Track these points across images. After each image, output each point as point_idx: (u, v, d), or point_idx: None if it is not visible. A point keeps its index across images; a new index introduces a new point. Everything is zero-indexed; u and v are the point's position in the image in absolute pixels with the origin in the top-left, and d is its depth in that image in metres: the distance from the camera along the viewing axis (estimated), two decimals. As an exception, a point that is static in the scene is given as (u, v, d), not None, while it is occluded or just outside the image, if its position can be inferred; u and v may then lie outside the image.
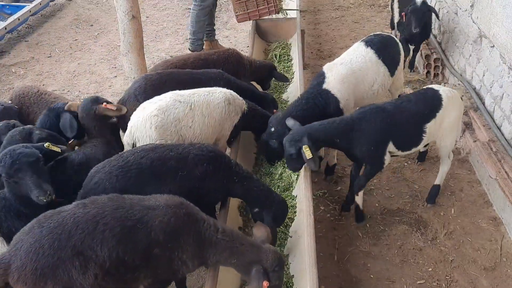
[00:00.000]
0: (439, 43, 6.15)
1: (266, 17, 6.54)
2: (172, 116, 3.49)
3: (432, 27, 6.07)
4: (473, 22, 5.07)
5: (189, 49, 6.66)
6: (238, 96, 3.90)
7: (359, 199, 3.84)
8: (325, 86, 4.01)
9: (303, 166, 3.65)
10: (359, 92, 4.20)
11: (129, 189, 2.88)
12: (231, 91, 3.85)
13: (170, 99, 3.54)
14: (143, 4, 8.61)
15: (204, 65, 4.49)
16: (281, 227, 3.55)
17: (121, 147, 3.70)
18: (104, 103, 3.66)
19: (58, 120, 3.65)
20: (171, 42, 7.51)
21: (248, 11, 6.22)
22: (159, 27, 8.07)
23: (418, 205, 4.11)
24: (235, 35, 7.38)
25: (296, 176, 4.13)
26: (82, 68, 6.88)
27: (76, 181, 3.09)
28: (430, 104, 3.69)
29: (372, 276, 3.50)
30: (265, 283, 2.57)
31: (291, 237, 3.52)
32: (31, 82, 6.32)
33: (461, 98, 3.92)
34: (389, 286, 3.41)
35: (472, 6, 5.10)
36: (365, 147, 3.57)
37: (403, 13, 5.54)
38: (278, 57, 5.97)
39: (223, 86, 3.96)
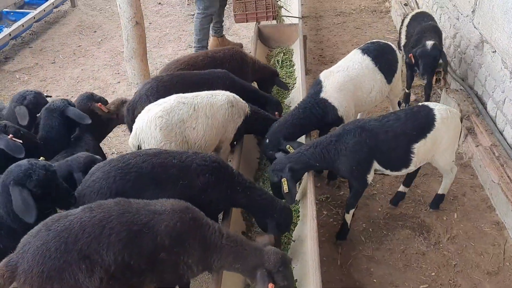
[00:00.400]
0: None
1: (268, 23, 6.61)
2: (177, 117, 3.53)
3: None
4: (475, 27, 5.09)
5: None
6: (241, 99, 3.94)
7: (348, 217, 3.76)
8: (322, 95, 4.03)
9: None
10: (357, 99, 4.22)
11: (126, 191, 2.87)
12: (234, 94, 3.89)
13: (174, 101, 3.58)
14: (146, 11, 8.67)
15: (212, 62, 4.61)
16: (284, 231, 3.56)
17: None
18: (99, 103, 3.90)
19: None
20: (174, 48, 7.56)
21: (247, 12, 6.31)
22: (162, 33, 8.12)
23: (421, 209, 4.11)
24: (237, 41, 7.42)
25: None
26: (85, 74, 6.93)
27: None
28: (421, 123, 3.50)
29: (375, 281, 3.49)
30: (270, 285, 2.57)
31: (294, 241, 3.54)
32: (34, 88, 6.35)
33: (461, 120, 3.71)
34: (392, 290, 3.41)
35: (473, 11, 5.13)
36: (347, 167, 3.50)
37: (410, 55, 4.95)
38: (280, 62, 6.01)
39: (229, 86, 4.09)
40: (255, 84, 5.12)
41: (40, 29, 8.38)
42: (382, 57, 4.30)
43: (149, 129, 3.50)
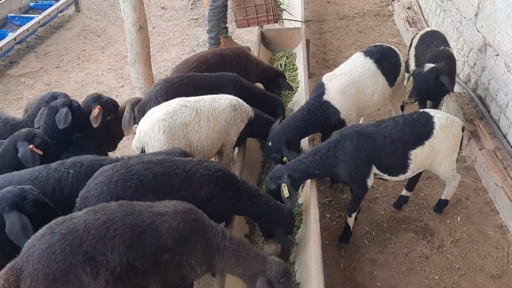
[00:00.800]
0: (444, 52, 6.17)
1: (271, 27, 6.63)
2: (179, 120, 3.55)
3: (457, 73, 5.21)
4: (478, 31, 5.10)
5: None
6: (245, 103, 3.96)
7: (351, 220, 3.76)
8: (325, 97, 4.04)
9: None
10: (360, 102, 4.22)
11: (126, 198, 2.83)
12: (238, 98, 3.92)
13: (177, 104, 3.61)
14: (150, 15, 8.73)
15: (221, 60, 4.71)
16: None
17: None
18: (98, 107, 3.90)
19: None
20: (177, 52, 7.60)
21: (248, 17, 6.36)
22: (165, 38, 8.17)
23: (424, 213, 4.11)
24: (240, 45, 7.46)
25: (302, 184, 4.15)
26: (89, 78, 6.98)
27: None
28: (419, 130, 3.47)
29: (378, 284, 3.49)
30: None
31: (297, 244, 3.54)
32: (39, 92, 6.41)
33: (463, 129, 3.66)
34: (395, 294, 3.40)
35: (476, 15, 5.13)
36: (346, 172, 3.50)
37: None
38: (283, 66, 6.03)
39: (238, 89, 4.16)
40: (260, 86, 5.18)
41: (45, 34, 8.45)
42: (384, 60, 4.30)
43: (152, 132, 3.52)
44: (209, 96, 3.83)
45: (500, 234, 3.84)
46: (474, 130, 4.69)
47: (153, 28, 8.43)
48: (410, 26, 7.05)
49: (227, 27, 7.10)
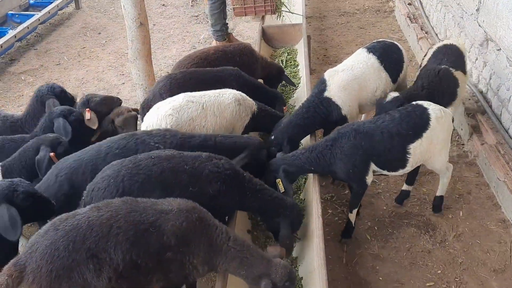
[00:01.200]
0: (445, 48, 6.16)
1: (272, 23, 6.62)
2: (186, 115, 3.55)
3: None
4: (479, 25, 5.08)
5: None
6: (248, 97, 3.95)
7: (352, 216, 3.74)
8: (326, 94, 4.03)
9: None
10: (362, 99, 4.20)
11: (133, 192, 2.85)
12: (241, 93, 3.92)
13: (183, 99, 3.60)
14: (150, 12, 8.71)
15: (223, 56, 4.70)
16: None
17: None
18: (87, 110, 3.88)
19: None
20: (178, 50, 7.58)
21: (245, 6, 6.38)
22: (166, 35, 8.15)
23: (426, 208, 4.10)
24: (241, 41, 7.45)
25: (304, 180, 4.16)
26: (90, 76, 6.97)
27: None
28: (416, 123, 3.44)
29: (380, 279, 3.49)
30: None
31: (299, 239, 3.53)
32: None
33: (452, 120, 3.65)
34: (398, 288, 3.40)
35: (478, 10, 5.12)
36: (343, 171, 3.47)
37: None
38: (284, 62, 6.02)
39: (240, 83, 4.16)
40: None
41: (45, 31, 8.44)
42: (387, 56, 4.27)
43: (159, 127, 3.51)
44: (213, 91, 3.83)
45: (502, 228, 3.84)
46: (476, 125, 4.69)
47: (154, 25, 8.41)
48: (411, 22, 7.03)
49: (227, 24, 7.09)
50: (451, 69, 4.06)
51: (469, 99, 4.99)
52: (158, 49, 7.58)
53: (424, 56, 4.54)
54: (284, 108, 4.59)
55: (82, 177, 3.16)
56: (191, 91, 3.80)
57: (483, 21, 4.98)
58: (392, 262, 3.62)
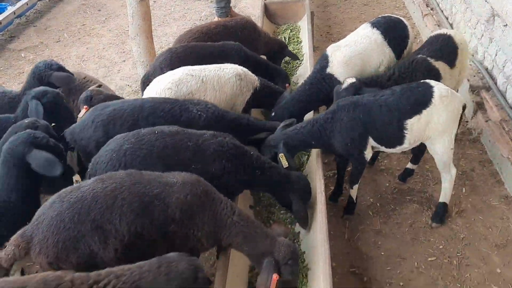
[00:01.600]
0: (451, 25, 6.07)
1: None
2: (185, 89, 3.52)
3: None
4: (485, 1, 4.99)
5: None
6: (250, 72, 3.90)
7: (353, 192, 3.70)
8: (328, 70, 3.97)
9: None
10: (365, 75, 4.15)
11: (134, 167, 2.83)
12: (243, 68, 3.87)
13: (182, 73, 3.56)
14: (151, -11, 8.58)
15: (225, 31, 4.64)
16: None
17: None
18: (85, 107, 3.68)
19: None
20: (179, 27, 7.49)
21: None
22: (167, 12, 8.05)
23: (429, 184, 4.10)
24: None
25: (306, 157, 4.14)
26: (90, 53, 6.90)
27: None
28: (416, 99, 3.31)
29: (382, 254, 3.51)
30: (275, 276, 2.51)
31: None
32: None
33: (463, 107, 3.43)
34: (399, 263, 3.42)
35: (484, -16, 5.02)
36: (342, 144, 3.41)
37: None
38: (287, 39, 5.95)
39: (242, 58, 4.12)
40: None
41: (44, 8, 8.33)
42: (392, 31, 4.17)
43: None
44: (214, 65, 3.78)
45: (505, 204, 3.84)
46: (480, 102, 4.65)
47: (154, 2, 8.31)
48: (416, -2, 6.92)
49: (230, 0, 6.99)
50: (429, 59, 3.83)
51: (474, 76, 4.94)
52: (159, 27, 7.50)
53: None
54: (287, 85, 4.53)
55: (119, 129, 3.16)
56: (192, 65, 3.76)
57: (490, -4, 4.89)
58: (394, 237, 3.64)
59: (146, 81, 3.96)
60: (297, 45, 5.84)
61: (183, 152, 2.92)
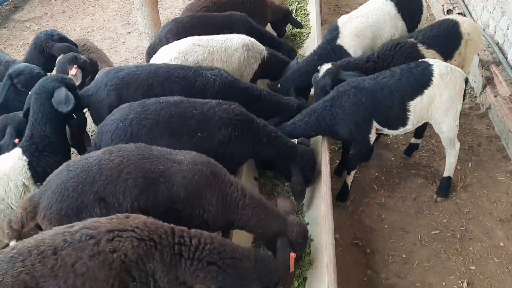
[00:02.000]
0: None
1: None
2: (192, 59, 3.48)
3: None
4: (499, -27, 4.86)
5: None
6: (258, 43, 3.86)
7: (349, 178, 3.64)
8: (338, 41, 3.90)
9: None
10: (376, 48, 4.08)
11: (140, 137, 2.84)
12: (250, 38, 3.82)
13: (189, 43, 3.53)
14: (156, -41, 8.41)
15: (234, 1, 4.58)
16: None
17: None
18: (75, 66, 3.76)
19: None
20: (185, -2, 7.38)
21: None
22: (173, -17, 7.90)
23: (435, 159, 4.08)
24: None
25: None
26: (95, 24, 6.83)
27: None
28: (417, 80, 3.24)
29: (386, 226, 3.52)
30: (293, 255, 2.51)
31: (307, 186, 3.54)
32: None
33: (465, 81, 3.33)
34: (403, 235, 3.43)
35: (499, -45, 4.87)
36: (346, 130, 3.35)
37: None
38: (295, 11, 5.85)
39: (248, 28, 4.09)
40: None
41: (49, -22, 8.21)
42: (406, 4, 4.07)
43: None
44: (221, 35, 3.73)
45: (510, 180, 3.82)
46: (490, 77, 4.57)
47: (160, -27, 8.15)
48: (428, -30, 6.73)
49: None
50: (419, 45, 3.65)
51: (484, 50, 4.85)
52: (165, -2, 7.39)
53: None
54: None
55: (133, 94, 3.17)
56: (198, 35, 3.71)
57: (504, -33, 4.75)
58: (398, 211, 3.64)
59: (151, 52, 3.92)
60: (304, 17, 5.75)
61: (188, 121, 2.91)
